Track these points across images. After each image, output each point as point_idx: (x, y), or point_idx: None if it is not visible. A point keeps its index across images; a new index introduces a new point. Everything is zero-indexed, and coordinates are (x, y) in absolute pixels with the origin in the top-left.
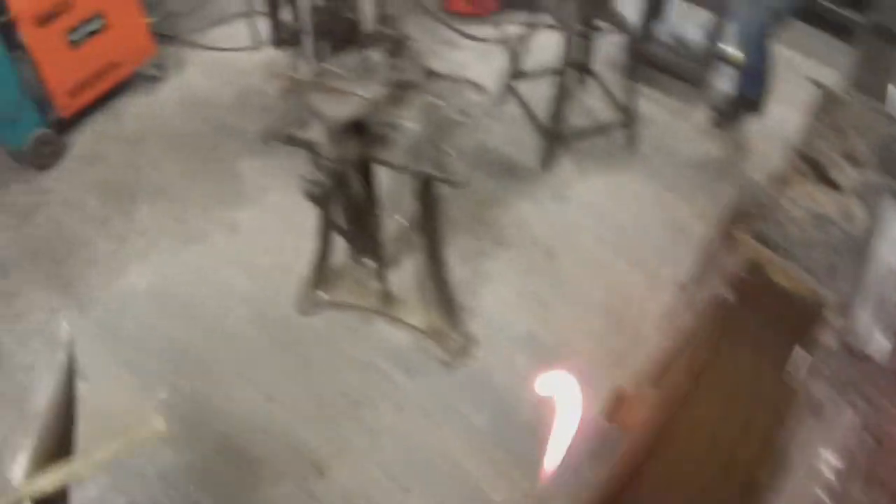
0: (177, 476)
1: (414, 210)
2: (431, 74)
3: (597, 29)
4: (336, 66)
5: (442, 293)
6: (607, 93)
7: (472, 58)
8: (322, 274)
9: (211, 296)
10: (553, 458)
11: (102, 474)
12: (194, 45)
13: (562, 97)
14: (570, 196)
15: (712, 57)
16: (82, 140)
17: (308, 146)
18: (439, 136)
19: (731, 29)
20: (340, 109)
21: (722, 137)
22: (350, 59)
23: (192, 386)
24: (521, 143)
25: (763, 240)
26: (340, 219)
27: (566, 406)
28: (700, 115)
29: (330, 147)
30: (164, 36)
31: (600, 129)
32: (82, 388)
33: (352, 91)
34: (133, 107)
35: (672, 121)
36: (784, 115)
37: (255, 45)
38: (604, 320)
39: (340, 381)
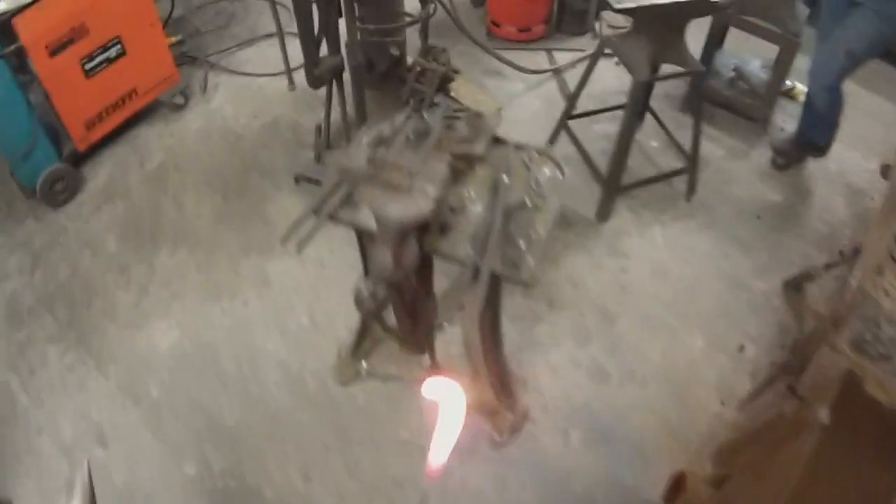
0: None
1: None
2: (497, 141)
3: (662, 77)
4: (384, 127)
5: (494, 366)
6: (666, 133)
7: (522, 88)
8: (363, 343)
9: (241, 359)
10: (437, 457)
11: None
12: (221, 68)
13: (624, 147)
14: (628, 250)
15: (775, 93)
16: (101, 174)
17: (359, 234)
18: (507, 220)
19: (807, 69)
20: (402, 210)
21: (782, 181)
22: (400, 119)
23: (222, 459)
24: (574, 189)
25: (858, 345)
26: (392, 317)
27: (450, 410)
28: (759, 155)
29: (387, 252)
30: (188, 57)
31: (661, 177)
32: (102, 456)
33: (415, 188)
34: (155, 137)
35: (730, 161)
36: (845, 156)
37: (287, 71)
38: (662, 390)
39: (382, 458)
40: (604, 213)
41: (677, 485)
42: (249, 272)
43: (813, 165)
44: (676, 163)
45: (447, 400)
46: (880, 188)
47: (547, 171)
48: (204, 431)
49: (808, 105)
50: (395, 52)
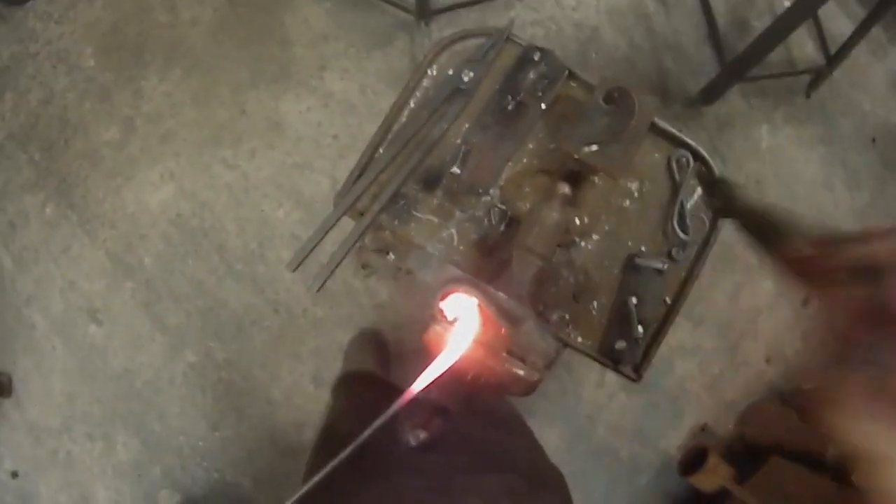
0: (213, 452)
1: None
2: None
3: None
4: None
5: None
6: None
7: None
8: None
9: (247, 230)
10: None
11: (135, 441)
12: None
13: (779, 37)
14: (727, 152)
15: None
16: None
17: None
18: (625, 282)
19: None
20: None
21: None
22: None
23: (226, 351)
24: (682, 52)
25: None
26: None
27: (460, 334)
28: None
29: None
30: None
31: (793, 73)
32: (97, 335)
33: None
34: None
35: (863, 55)
36: None
37: None
38: (715, 335)
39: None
40: (712, 96)
41: (695, 457)
42: (258, 110)
43: None
44: (807, 42)
45: (462, 324)
46: None
47: (697, 194)
48: (205, 315)
49: None
50: None
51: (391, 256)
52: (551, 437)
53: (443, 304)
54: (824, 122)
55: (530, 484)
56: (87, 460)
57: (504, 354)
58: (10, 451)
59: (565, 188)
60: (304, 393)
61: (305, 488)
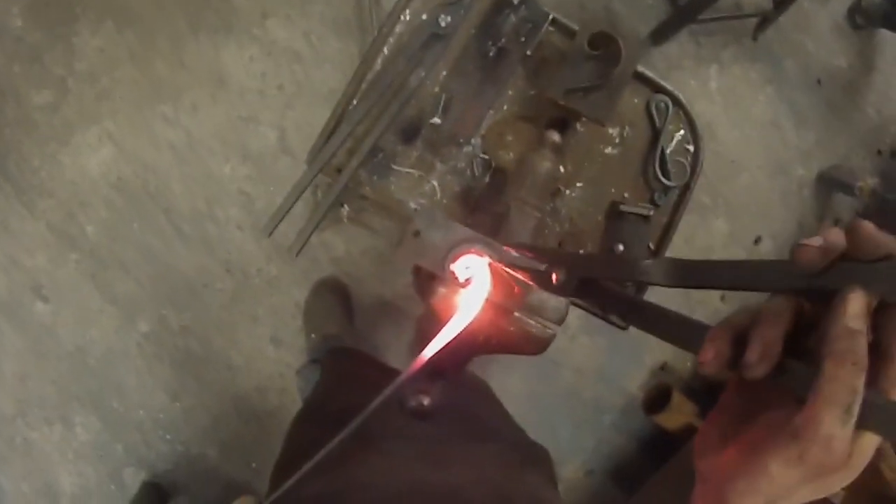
0: (175, 424)
1: None
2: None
3: None
4: None
5: None
6: None
7: None
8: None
9: (194, 187)
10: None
11: (94, 420)
12: None
13: None
14: (676, 93)
15: None
16: None
17: None
18: (611, 232)
19: None
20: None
21: (852, 42)
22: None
23: (181, 317)
24: None
25: None
26: None
27: (473, 296)
28: (839, 1)
29: None
30: None
31: (741, 16)
32: (45, 312)
33: None
34: None
35: (805, 2)
36: None
37: None
38: None
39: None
40: (661, 38)
41: (659, 397)
42: (198, 62)
43: (884, 31)
44: None
45: (476, 285)
46: None
47: (678, 135)
48: (156, 283)
49: None
50: None
51: (346, 208)
52: (514, 383)
53: (454, 266)
54: (771, 64)
55: (519, 455)
56: (47, 445)
57: (516, 314)
58: None
59: (555, 136)
60: (263, 356)
61: (309, 465)
